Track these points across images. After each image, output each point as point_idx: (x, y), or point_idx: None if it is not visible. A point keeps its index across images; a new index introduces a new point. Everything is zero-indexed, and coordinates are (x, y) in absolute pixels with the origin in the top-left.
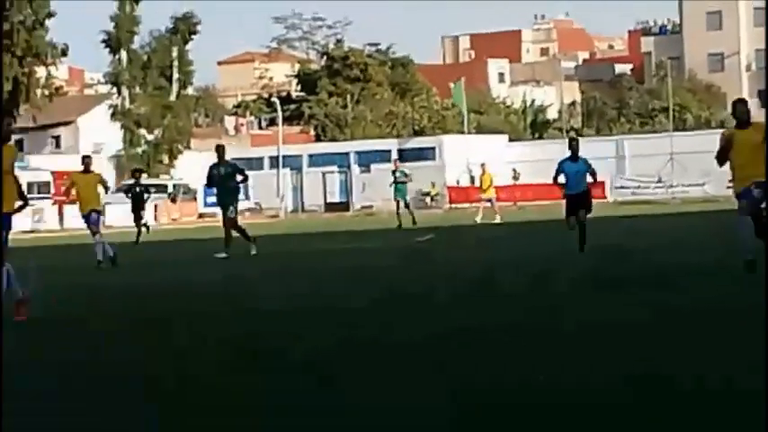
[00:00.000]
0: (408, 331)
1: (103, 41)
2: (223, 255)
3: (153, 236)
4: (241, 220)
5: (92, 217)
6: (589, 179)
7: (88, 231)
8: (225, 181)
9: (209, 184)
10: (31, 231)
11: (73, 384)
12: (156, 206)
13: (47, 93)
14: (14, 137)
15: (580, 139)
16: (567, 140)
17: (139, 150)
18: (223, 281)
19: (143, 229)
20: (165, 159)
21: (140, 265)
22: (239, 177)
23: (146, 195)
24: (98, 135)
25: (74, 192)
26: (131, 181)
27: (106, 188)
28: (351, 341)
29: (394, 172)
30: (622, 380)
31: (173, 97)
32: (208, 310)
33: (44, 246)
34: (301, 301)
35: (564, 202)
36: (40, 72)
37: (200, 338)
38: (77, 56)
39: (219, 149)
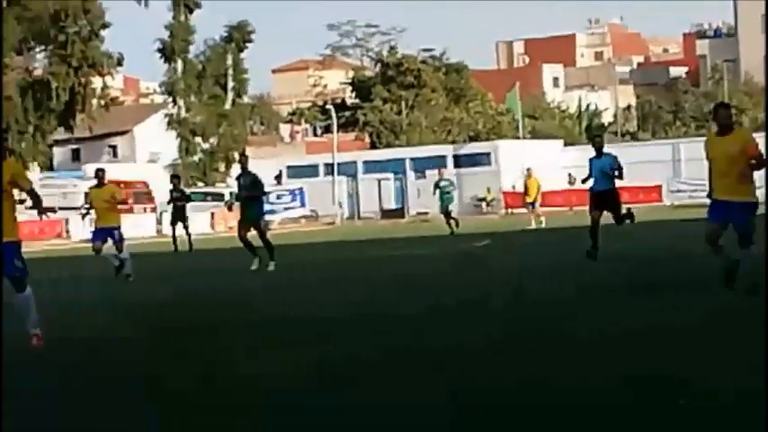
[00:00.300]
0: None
1: (158, 51)
2: (272, 265)
3: (209, 244)
4: (297, 228)
5: (114, 236)
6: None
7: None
8: (248, 191)
9: (239, 197)
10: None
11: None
12: (212, 214)
13: (103, 103)
14: (71, 146)
15: (637, 143)
16: (622, 144)
17: (195, 159)
18: (278, 287)
19: (184, 236)
20: (221, 167)
21: (196, 273)
22: (258, 189)
23: (185, 202)
24: (154, 144)
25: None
26: (170, 187)
27: (119, 201)
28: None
29: (438, 182)
30: (663, 383)
31: (228, 105)
32: (252, 318)
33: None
34: (356, 309)
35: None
36: (96, 82)
37: (243, 346)
38: (133, 65)
39: (242, 159)
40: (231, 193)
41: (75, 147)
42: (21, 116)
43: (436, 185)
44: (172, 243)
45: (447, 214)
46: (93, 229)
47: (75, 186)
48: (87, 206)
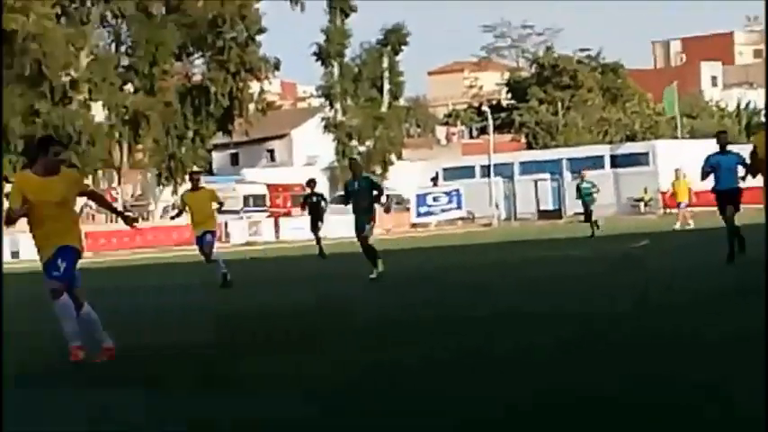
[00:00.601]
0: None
1: (315, 54)
2: (376, 272)
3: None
4: (454, 229)
5: (206, 239)
6: (740, 172)
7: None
8: (359, 197)
9: (346, 201)
10: (247, 244)
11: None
12: None
13: (260, 107)
14: (230, 151)
15: None
16: None
17: None
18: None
19: (319, 240)
20: (378, 170)
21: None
22: (375, 193)
23: (323, 204)
24: (311, 148)
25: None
26: (307, 191)
27: (220, 205)
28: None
29: (579, 184)
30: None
31: (384, 108)
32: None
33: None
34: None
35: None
36: (254, 87)
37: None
38: (289, 70)
39: (352, 164)
40: (388, 196)
41: (233, 151)
42: (180, 121)
43: (578, 188)
44: (318, 247)
45: (588, 216)
46: (195, 234)
47: (233, 190)
48: (178, 210)
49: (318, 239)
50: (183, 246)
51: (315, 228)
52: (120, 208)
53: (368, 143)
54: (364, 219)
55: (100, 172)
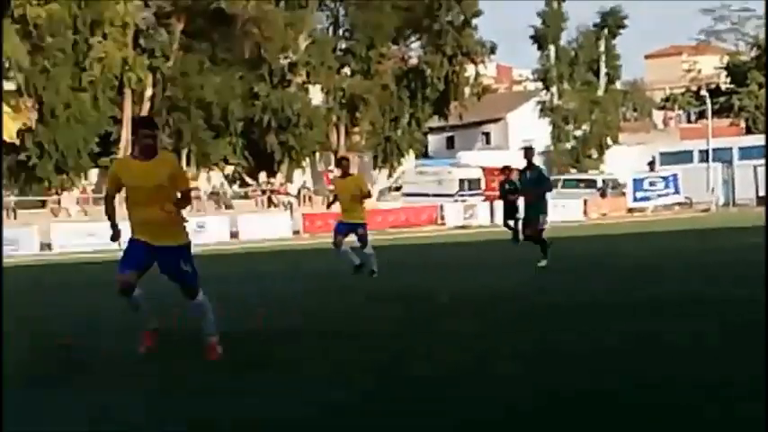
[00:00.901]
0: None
1: (531, 38)
2: (544, 262)
3: (577, 231)
4: (670, 215)
5: (359, 232)
6: None
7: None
8: (529, 187)
9: (518, 192)
10: (462, 227)
11: None
12: (585, 201)
13: (475, 91)
14: (445, 134)
15: None
16: None
17: (567, 146)
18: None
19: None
20: (594, 154)
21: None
22: (544, 185)
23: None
24: (526, 131)
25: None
26: (501, 178)
27: (366, 194)
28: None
29: None
30: None
31: (600, 92)
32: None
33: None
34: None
35: None
36: (470, 70)
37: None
38: (505, 53)
39: (526, 152)
40: (604, 181)
41: (449, 134)
42: (396, 104)
43: None
44: (512, 234)
45: None
46: (337, 221)
47: (449, 173)
48: (333, 196)
49: (509, 227)
50: (399, 227)
51: (510, 217)
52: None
53: (584, 127)
54: (537, 209)
55: (317, 154)
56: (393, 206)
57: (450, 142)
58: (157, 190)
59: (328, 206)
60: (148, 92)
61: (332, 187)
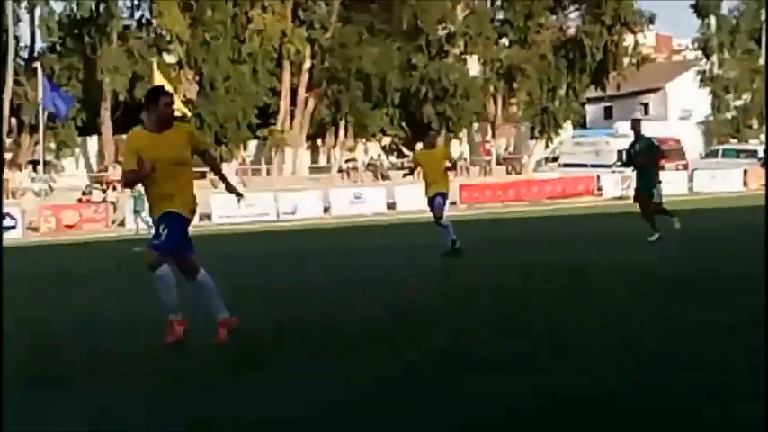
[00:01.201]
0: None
1: (692, 7)
2: (656, 236)
3: (738, 202)
4: None
5: (436, 201)
6: None
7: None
8: (640, 159)
9: (627, 164)
10: (620, 198)
11: None
12: (745, 171)
13: (634, 60)
14: (603, 104)
15: None
16: None
17: (728, 116)
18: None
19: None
20: (755, 124)
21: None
22: (653, 155)
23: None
24: (686, 101)
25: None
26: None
27: (452, 165)
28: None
29: None
30: None
31: (761, 61)
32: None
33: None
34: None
35: None
36: (628, 40)
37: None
38: (665, 23)
39: (633, 124)
40: (765, 151)
41: (607, 105)
42: (554, 75)
43: None
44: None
45: None
46: (427, 195)
47: (606, 144)
48: (410, 168)
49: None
50: (555, 198)
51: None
52: (493, 161)
53: (744, 96)
54: (648, 182)
55: (474, 125)
56: (550, 176)
57: (607, 112)
58: (176, 162)
59: (404, 176)
60: (307, 64)
61: (412, 157)
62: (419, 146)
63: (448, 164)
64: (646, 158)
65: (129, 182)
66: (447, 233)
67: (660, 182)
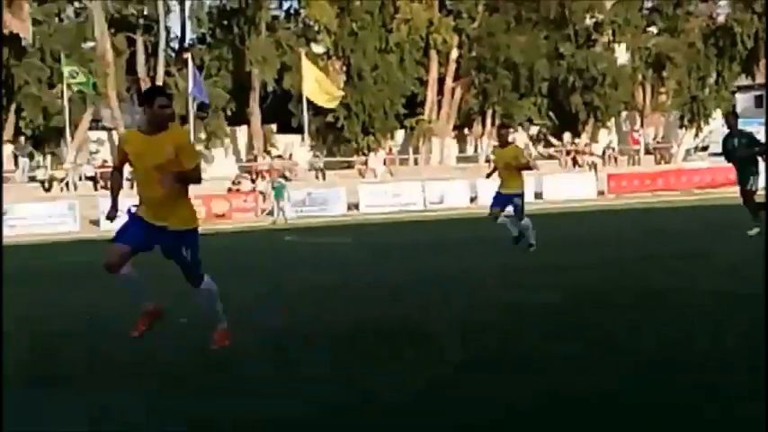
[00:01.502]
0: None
1: None
2: (756, 230)
3: None
4: None
5: (514, 201)
6: None
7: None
8: (740, 152)
9: (727, 158)
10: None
11: None
12: None
13: None
14: (754, 93)
15: None
16: None
17: None
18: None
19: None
20: None
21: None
22: (756, 149)
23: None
24: None
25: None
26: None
27: (524, 165)
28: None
29: None
30: None
31: None
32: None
33: None
34: None
35: None
36: None
37: None
38: None
39: (729, 118)
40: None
41: (757, 93)
42: (703, 63)
43: None
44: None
45: None
46: (495, 192)
47: (757, 133)
48: (492, 168)
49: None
50: (704, 188)
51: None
52: (641, 150)
53: None
54: (744, 174)
55: (623, 114)
56: (699, 166)
57: (758, 101)
58: (161, 168)
59: (487, 176)
60: (454, 53)
61: (493, 157)
62: (495, 142)
63: (517, 163)
64: (748, 151)
65: (111, 180)
66: (521, 227)
67: (757, 174)
